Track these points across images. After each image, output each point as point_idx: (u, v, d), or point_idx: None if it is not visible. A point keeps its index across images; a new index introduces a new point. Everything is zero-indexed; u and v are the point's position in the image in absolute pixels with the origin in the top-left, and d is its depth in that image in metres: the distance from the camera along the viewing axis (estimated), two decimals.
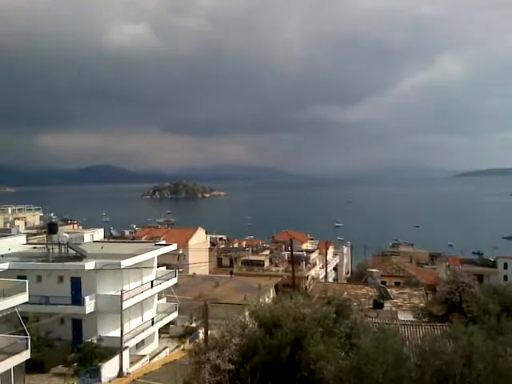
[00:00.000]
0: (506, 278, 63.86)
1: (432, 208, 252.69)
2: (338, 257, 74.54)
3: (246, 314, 17.24)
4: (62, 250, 29.64)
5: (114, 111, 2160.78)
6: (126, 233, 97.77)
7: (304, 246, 77.10)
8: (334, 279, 68.53)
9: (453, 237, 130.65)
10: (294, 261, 48.99)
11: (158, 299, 35.90)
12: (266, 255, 63.13)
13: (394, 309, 35.80)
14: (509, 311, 22.51)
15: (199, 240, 64.64)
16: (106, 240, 44.90)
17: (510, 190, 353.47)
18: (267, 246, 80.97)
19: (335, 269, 72.61)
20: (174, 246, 36.29)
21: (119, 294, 27.62)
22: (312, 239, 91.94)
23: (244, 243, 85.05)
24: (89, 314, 27.90)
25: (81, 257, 29.25)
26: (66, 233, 32.26)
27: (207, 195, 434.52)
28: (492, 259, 71.78)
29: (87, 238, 37.46)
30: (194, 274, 49.67)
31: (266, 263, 57.85)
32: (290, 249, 52.03)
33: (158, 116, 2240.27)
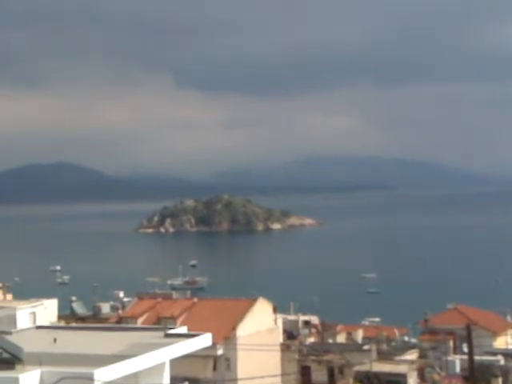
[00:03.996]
0: None
1: None
2: None
3: None
4: None
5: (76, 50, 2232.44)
6: (105, 308, 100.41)
7: (500, 342, 76.64)
8: None
9: None
10: (479, 376, 47.78)
11: None
12: (412, 362, 63.24)
13: None
14: None
15: (260, 326, 65.08)
16: (62, 324, 45.90)
17: None
18: (413, 340, 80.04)
19: None
20: (206, 339, 36.80)
21: None
22: None
23: (360, 333, 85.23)
24: None
25: (11, 361, 30.16)
26: None
27: (276, 226, 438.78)
28: None
29: (23, 318, 38.55)
30: None
31: (412, 381, 57.74)
32: (467, 348, 50.90)
33: (168, 58, 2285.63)
